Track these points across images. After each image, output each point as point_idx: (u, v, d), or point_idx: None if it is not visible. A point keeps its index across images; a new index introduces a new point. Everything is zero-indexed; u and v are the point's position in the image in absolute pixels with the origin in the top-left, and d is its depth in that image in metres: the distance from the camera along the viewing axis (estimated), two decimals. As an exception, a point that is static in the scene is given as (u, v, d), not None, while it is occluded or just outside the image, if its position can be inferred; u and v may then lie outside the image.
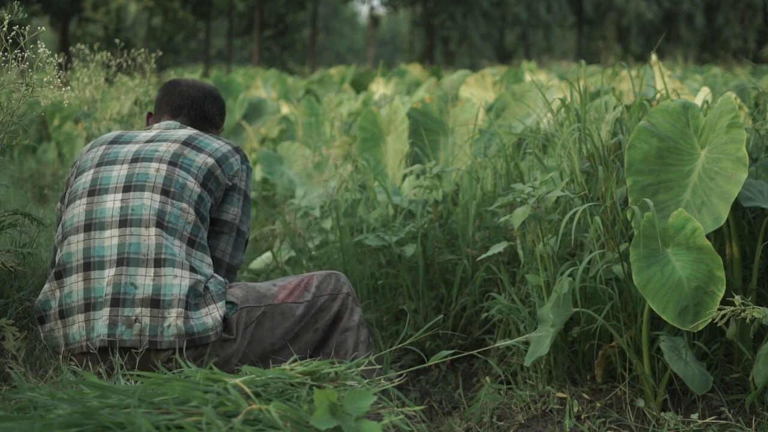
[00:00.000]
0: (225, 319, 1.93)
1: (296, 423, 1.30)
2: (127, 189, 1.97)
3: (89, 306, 1.89)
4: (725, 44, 32.53)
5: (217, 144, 2.09)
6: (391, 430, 1.62)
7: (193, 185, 2.00)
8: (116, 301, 1.87)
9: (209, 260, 2.01)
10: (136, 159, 2.02)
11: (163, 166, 2.00)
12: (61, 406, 1.27)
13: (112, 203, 1.95)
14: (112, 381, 1.60)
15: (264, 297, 2.01)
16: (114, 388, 1.34)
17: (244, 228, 2.14)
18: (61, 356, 1.90)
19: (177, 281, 1.89)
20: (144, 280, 1.88)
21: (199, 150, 2.05)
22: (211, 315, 1.90)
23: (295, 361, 1.57)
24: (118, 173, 2.00)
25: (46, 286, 1.95)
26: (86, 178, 2.02)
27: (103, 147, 2.08)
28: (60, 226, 2.01)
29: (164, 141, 2.06)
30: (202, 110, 2.23)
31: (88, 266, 1.91)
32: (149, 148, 2.04)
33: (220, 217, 2.09)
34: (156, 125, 2.18)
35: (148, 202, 1.95)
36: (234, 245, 2.13)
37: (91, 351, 1.86)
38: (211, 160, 2.04)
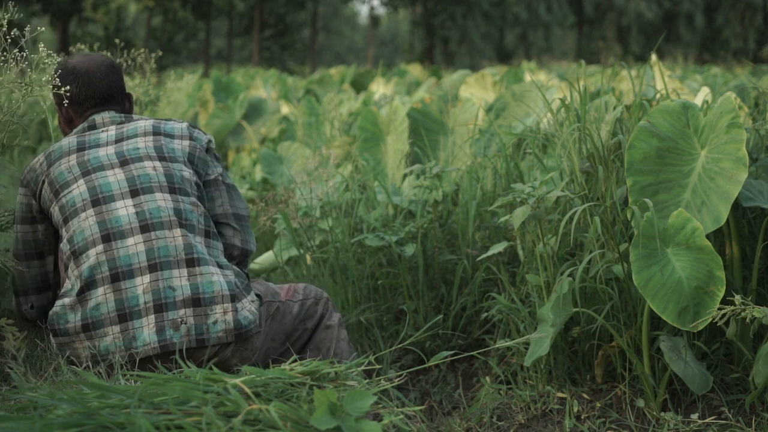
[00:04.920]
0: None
1: (296, 423, 1.30)
2: (135, 193, 1.95)
3: (124, 317, 1.86)
4: (725, 44, 32.56)
5: (177, 125, 2.12)
6: (391, 430, 1.62)
7: (189, 174, 2.04)
8: (159, 307, 1.87)
9: (222, 248, 2.05)
10: (125, 161, 1.99)
11: (157, 163, 2.01)
12: (61, 406, 1.27)
13: (125, 210, 1.93)
14: (112, 381, 1.60)
15: (275, 293, 2.15)
16: (114, 389, 1.34)
17: (229, 181, 2.18)
18: (62, 359, 1.89)
19: (215, 278, 1.91)
20: (180, 281, 1.89)
21: (171, 136, 2.08)
22: (246, 308, 1.93)
23: (294, 361, 1.57)
24: (115, 178, 1.97)
25: (66, 300, 1.90)
26: (79, 189, 1.96)
27: (74, 156, 2.01)
28: (66, 241, 1.94)
29: (133, 137, 2.05)
30: (122, 90, 2.18)
31: (116, 277, 1.88)
32: (128, 147, 2.02)
33: (206, 179, 2.13)
34: (99, 120, 2.09)
35: (163, 203, 1.95)
36: (230, 196, 2.14)
37: (135, 358, 1.85)
38: (186, 142, 2.09)
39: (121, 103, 2.18)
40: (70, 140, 2.06)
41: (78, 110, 2.14)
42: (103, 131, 2.08)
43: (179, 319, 1.87)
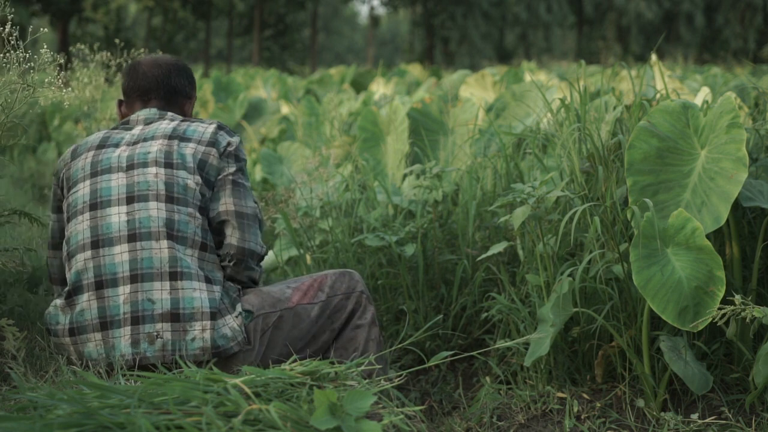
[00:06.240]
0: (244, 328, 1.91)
1: (296, 423, 1.30)
2: (130, 200, 1.92)
3: (105, 325, 1.86)
4: (725, 44, 32.57)
5: (202, 128, 2.03)
6: (391, 430, 1.62)
7: (193, 184, 1.96)
8: (136, 319, 1.84)
9: (218, 260, 1.98)
10: (131, 165, 1.96)
11: (161, 170, 1.95)
12: (61, 406, 1.27)
13: (117, 217, 1.91)
14: (112, 381, 1.60)
15: (279, 301, 2.00)
16: (114, 389, 1.34)
17: (241, 180, 2.03)
18: (62, 357, 1.90)
19: (197, 294, 1.87)
20: (161, 294, 1.86)
21: (188, 140, 2.00)
22: (228, 325, 1.88)
23: (295, 361, 1.57)
24: (117, 183, 1.94)
25: (58, 301, 1.91)
26: (83, 190, 1.96)
27: (91, 153, 2.01)
28: (64, 242, 1.96)
29: (152, 139, 2.01)
30: (169, 86, 2.15)
31: (100, 284, 1.87)
32: (140, 150, 1.98)
33: (216, 182, 2.02)
34: (135, 117, 2.09)
35: (155, 212, 1.91)
36: (235, 193, 2.01)
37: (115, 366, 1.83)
38: (201, 148, 1.99)
39: (169, 100, 2.16)
40: (97, 135, 2.07)
41: (127, 100, 2.19)
42: (130, 130, 2.07)
43: (155, 333, 1.84)
